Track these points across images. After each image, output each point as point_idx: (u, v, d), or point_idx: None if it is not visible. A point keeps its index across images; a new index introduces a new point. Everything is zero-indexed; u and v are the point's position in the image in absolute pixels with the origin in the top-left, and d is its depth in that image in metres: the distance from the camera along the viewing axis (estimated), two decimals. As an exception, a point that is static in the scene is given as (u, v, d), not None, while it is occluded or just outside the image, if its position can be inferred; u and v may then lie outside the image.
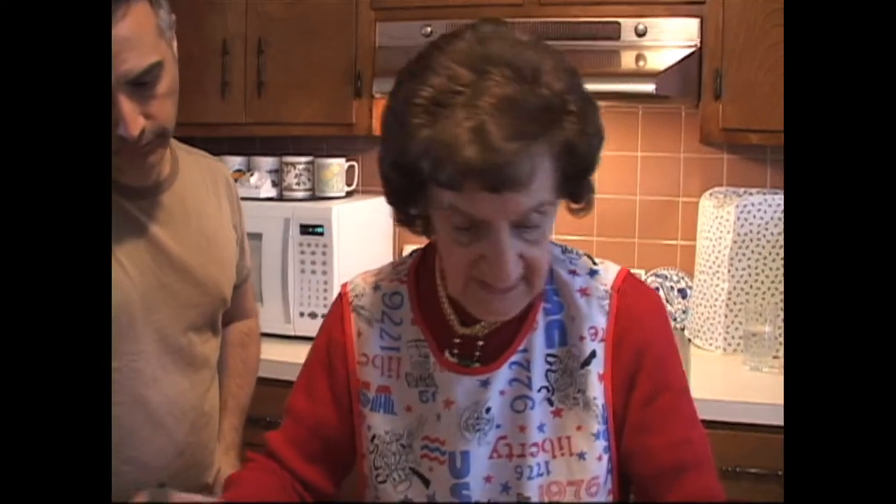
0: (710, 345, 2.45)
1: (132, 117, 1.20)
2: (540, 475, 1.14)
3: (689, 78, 2.34)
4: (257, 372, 1.77)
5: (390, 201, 1.13)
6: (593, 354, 1.14)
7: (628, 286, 1.18)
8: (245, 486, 1.21)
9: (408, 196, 1.08)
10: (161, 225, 1.39)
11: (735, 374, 2.28)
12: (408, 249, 2.97)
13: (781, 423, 1.97)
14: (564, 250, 1.21)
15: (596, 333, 1.15)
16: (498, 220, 1.00)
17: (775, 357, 2.31)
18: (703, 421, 1.19)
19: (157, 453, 1.38)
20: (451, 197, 1.00)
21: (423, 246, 1.25)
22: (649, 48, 2.31)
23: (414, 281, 1.22)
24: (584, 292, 1.16)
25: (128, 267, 1.33)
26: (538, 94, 0.98)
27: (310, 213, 2.48)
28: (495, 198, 0.97)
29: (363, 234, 2.66)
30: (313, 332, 2.39)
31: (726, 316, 2.40)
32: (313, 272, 2.47)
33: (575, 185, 1.07)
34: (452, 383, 1.15)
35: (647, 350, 1.15)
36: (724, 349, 2.42)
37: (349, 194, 2.76)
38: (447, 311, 1.18)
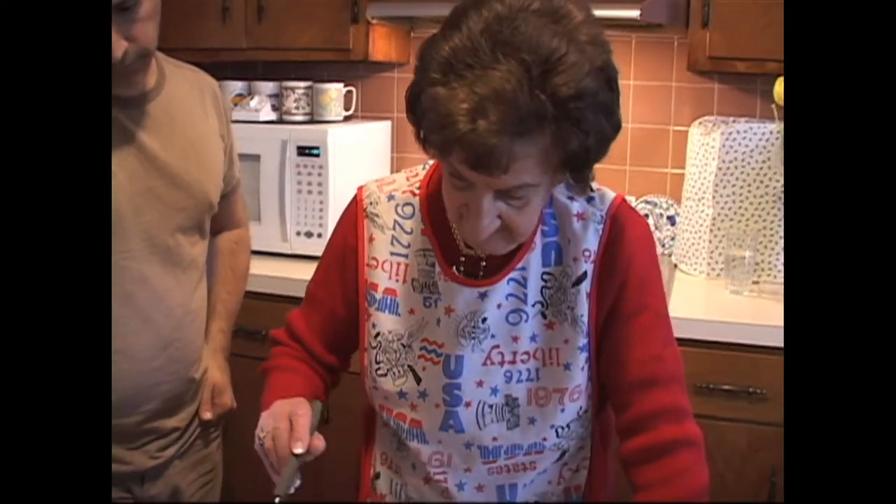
0: (695, 269, 2.51)
1: (115, 41, 1.30)
2: (529, 380, 1.24)
3: (678, 5, 2.37)
4: (246, 279, 1.85)
5: (408, 118, 1.17)
6: (584, 275, 1.23)
7: (621, 213, 1.25)
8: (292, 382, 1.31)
9: (418, 123, 1.13)
10: (148, 132, 1.46)
11: (717, 297, 2.34)
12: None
13: (757, 343, 2.06)
14: None
15: (589, 255, 1.23)
16: (480, 186, 1.07)
17: (755, 282, 2.37)
18: (685, 340, 1.29)
19: (144, 346, 1.47)
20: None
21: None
22: (638, -26, 2.33)
23: (426, 194, 1.29)
24: (580, 217, 1.23)
25: (116, 171, 1.41)
26: (535, 97, 0.99)
27: (306, 135, 2.53)
28: (474, 172, 1.04)
29: (359, 157, 2.70)
30: (309, 251, 2.54)
31: (710, 241, 2.45)
32: (309, 192, 2.53)
33: (569, 172, 1.12)
34: (454, 293, 1.24)
35: (631, 272, 1.23)
36: (708, 273, 2.48)
37: (347, 119, 2.81)
38: (455, 231, 1.25)
